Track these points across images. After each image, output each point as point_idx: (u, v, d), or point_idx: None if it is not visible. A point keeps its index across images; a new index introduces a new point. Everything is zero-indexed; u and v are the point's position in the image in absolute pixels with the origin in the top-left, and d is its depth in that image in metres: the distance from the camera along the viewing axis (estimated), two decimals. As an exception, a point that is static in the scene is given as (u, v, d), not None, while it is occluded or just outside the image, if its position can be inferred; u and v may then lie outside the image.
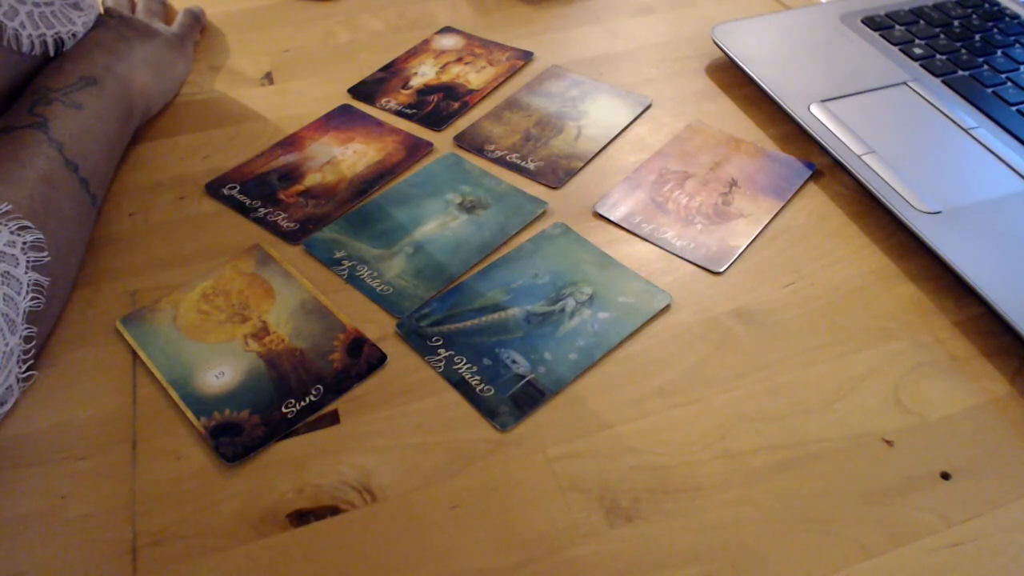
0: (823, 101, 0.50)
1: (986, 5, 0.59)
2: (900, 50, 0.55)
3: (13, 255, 0.35)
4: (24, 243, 0.35)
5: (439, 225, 0.44)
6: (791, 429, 0.35)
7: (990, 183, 0.45)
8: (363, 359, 0.37)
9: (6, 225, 0.35)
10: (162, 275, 0.42)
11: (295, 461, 0.34)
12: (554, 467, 0.34)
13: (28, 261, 0.35)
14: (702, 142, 0.50)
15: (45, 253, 0.36)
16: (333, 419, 0.35)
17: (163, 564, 0.31)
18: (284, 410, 0.35)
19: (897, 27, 0.57)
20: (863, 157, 0.46)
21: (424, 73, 0.56)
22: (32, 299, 0.35)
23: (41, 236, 0.36)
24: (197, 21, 0.60)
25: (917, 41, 0.55)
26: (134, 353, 0.38)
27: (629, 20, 0.61)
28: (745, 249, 0.43)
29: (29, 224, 0.36)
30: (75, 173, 0.41)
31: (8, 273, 0.34)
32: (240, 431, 0.35)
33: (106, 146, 0.44)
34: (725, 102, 0.54)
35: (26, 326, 0.35)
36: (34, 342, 0.36)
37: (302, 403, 0.36)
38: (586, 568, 0.31)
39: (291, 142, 0.50)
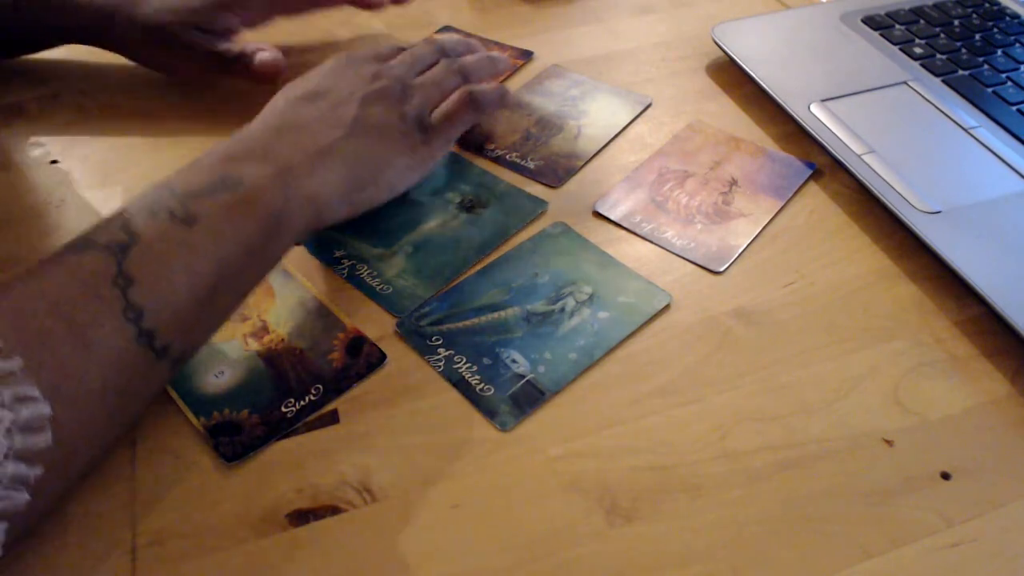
0: (823, 100, 0.50)
1: (986, 5, 0.59)
2: (900, 49, 0.55)
3: None
4: (13, 422, 0.26)
5: (439, 224, 0.44)
6: (791, 429, 0.35)
7: (990, 183, 0.45)
8: (362, 358, 0.37)
9: None
10: (162, 274, 0.42)
11: (295, 461, 0.34)
12: (554, 467, 0.34)
13: (9, 448, 0.26)
14: (702, 141, 0.50)
15: (47, 434, 0.27)
16: (333, 419, 0.35)
17: (163, 564, 0.31)
18: (283, 410, 0.35)
19: (897, 26, 0.57)
20: (863, 157, 0.46)
21: (424, 72, 0.55)
22: (2, 498, 0.26)
23: (47, 412, 0.27)
24: (475, 108, 0.45)
25: (917, 41, 0.55)
26: (134, 353, 0.38)
27: (629, 20, 0.61)
28: (745, 249, 0.43)
29: (33, 392, 0.27)
30: (150, 347, 0.31)
31: None
32: (239, 430, 0.34)
33: (212, 281, 0.33)
34: (725, 101, 0.54)
35: None
36: None
37: (301, 403, 0.36)
38: (586, 568, 0.31)
39: (291, 141, 0.50)
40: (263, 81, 0.49)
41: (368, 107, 0.41)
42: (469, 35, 0.59)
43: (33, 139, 0.50)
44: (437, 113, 0.44)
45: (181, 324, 0.32)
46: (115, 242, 0.31)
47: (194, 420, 0.35)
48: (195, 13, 0.49)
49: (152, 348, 0.31)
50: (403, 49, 0.47)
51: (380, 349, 0.38)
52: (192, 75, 0.51)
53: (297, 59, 0.57)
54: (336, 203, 0.39)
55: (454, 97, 0.45)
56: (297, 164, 0.37)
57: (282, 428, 0.35)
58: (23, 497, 0.27)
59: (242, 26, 0.51)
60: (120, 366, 0.30)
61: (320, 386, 0.36)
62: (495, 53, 0.50)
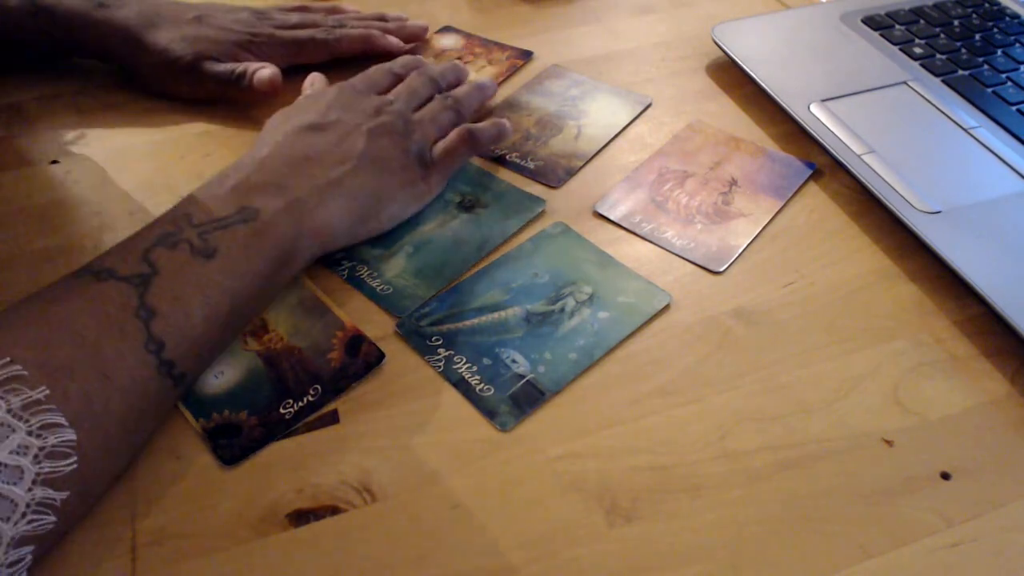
0: (823, 100, 0.50)
1: (986, 5, 0.59)
2: (900, 49, 0.55)
3: (17, 467, 0.27)
4: (41, 449, 0.27)
5: (438, 224, 0.44)
6: (791, 429, 0.35)
7: (990, 183, 0.45)
8: (361, 358, 0.37)
9: (26, 422, 0.27)
10: (162, 274, 0.42)
11: (295, 461, 0.34)
12: (554, 467, 0.34)
13: (37, 474, 0.27)
14: (702, 141, 0.50)
15: (72, 459, 0.28)
16: (333, 419, 0.35)
17: (163, 564, 0.31)
18: (282, 411, 0.35)
19: (897, 27, 0.57)
20: (863, 157, 0.46)
21: (424, 72, 0.55)
22: (31, 521, 0.27)
23: (73, 438, 0.28)
24: (474, 145, 0.46)
25: (917, 41, 0.55)
26: (134, 353, 0.38)
27: (629, 20, 0.61)
28: (745, 249, 0.43)
29: (59, 419, 0.28)
30: (169, 375, 0.32)
31: None
32: (238, 432, 0.34)
33: (227, 313, 0.34)
34: (725, 101, 0.54)
35: (14, 551, 0.27)
36: (27, 560, 0.28)
37: (300, 403, 0.36)
38: (586, 568, 0.31)
39: (291, 141, 0.50)
40: (262, 98, 0.50)
41: (374, 141, 0.42)
42: (471, 36, 0.59)
43: (33, 139, 0.50)
44: (437, 149, 0.45)
45: (197, 352, 0.34)
46: (136, 273, 0.32)
47: (193, 422, 0.35)
48: (213, 48, 0.50)
49: (171, 376, 0.33)
50: (397, 75, 0.48)
51: (379, 348, 0.38)
52: (196, 98, 0.52)
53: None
54: (342, 234, 0.40)
55: (454, 134, 0.45)
56: (307, 197, 0.38)
57: (280, 429, 0.35)
58: (50, 520, 0.28)
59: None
60: (141, 394, 0.31)
61: (318, 386, 0.36)
62: (485, 80, 0.51)
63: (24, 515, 0.27)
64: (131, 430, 0.31)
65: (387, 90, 0.47)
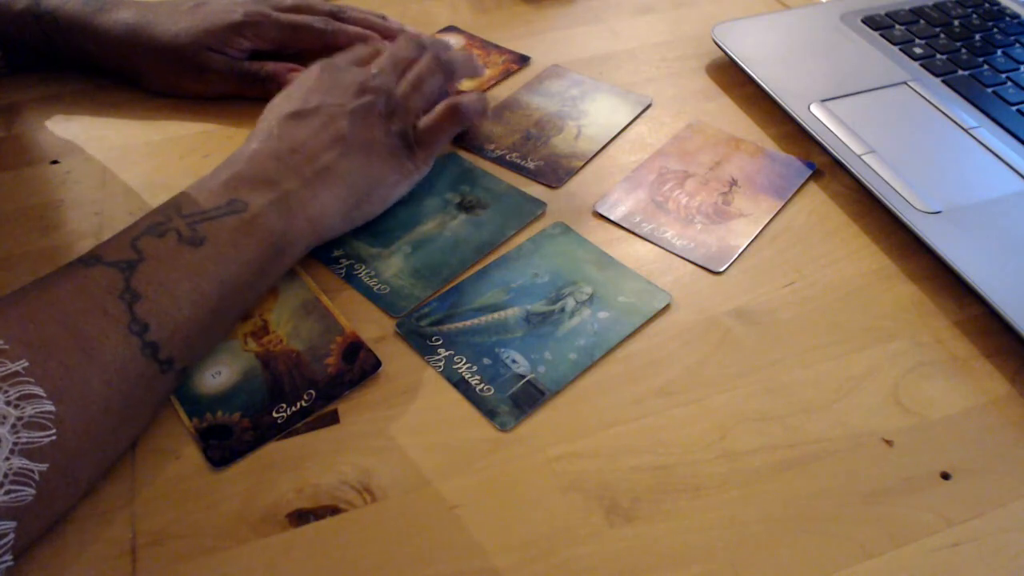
0: (823, 101, 0.50)
1: (986, 5, 0.59)
2: (900, 50, 0.55)
3: None
4: (19, 419, 0.28)
5: (437, 224, 0.44)
6: (791, 429, 0.35)
7: (990, 183, 0.45)
8: (357, 365, 0.37)
9: (4, 392, 0.28)
10: (162, 275, 0.42)
11: (295, 461, 0.34)
12: (554, 467, 0.34)
13: (15, 444, 0.27)
14: (702, 141, 0.50)
15: (51, 432, 0.28)
16: (333, 419, 0.35)
17: (163, 564, 0.31)
18: (275, 415, 0.35)
19: (897, 27, 0.57)
20: (863, 157, 0.46)
21: (424, 72, 0.55)
22: (8, 492, 0.27)
23: (51, 409, 0.28)
24: (458, 120, 0.46)
25: (917, 41, 0.55)
26: (133, 353, 0.38)
27: (629, 20, 0.61)
28: (745, 249, 0.43)
29: (37, 391, 0.28)
30: (154, 359, 0.32)
31: None
32: (229, 434, 0.34)
33: (215, 299, 0.34)
34: (725, 101, 0.54)
35: None
36: (9, 537, 0.28)
37: (293, 408, 0.35)
38: (586, 568, 0.31)
39: (291, 141, 0.50)
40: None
41: (357, 124, 0.41)
42: (472, 36, 0.59)
43: (33, 139, 0.50)
44: (421, 124, 0.44)
45: (185, 338, 0.33)
46: (123, 259, 0.33)
47: (187, 421, 0.35)
48: (209, 35, 0.50)
49: (156, 360, 0.32)
50: (380, 52, 0.47)
51: (376, 356, 0.37)
52: (202, 94, 0.52)
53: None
54: (336, 223, 0.40)
55: (438, 110, 0.45)
56: (299, 190, 0.38)
57: (271, 433, 0.35)
58: (29, 492, 0.28)
59: (252, 50, 0.52)
60: (124, 375, 0.31)
61: (313, 391, 0.36)
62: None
63: (1, 485, 0.27)
64: (116, 411, 0.31)
65: (369, 62, 0.46)
